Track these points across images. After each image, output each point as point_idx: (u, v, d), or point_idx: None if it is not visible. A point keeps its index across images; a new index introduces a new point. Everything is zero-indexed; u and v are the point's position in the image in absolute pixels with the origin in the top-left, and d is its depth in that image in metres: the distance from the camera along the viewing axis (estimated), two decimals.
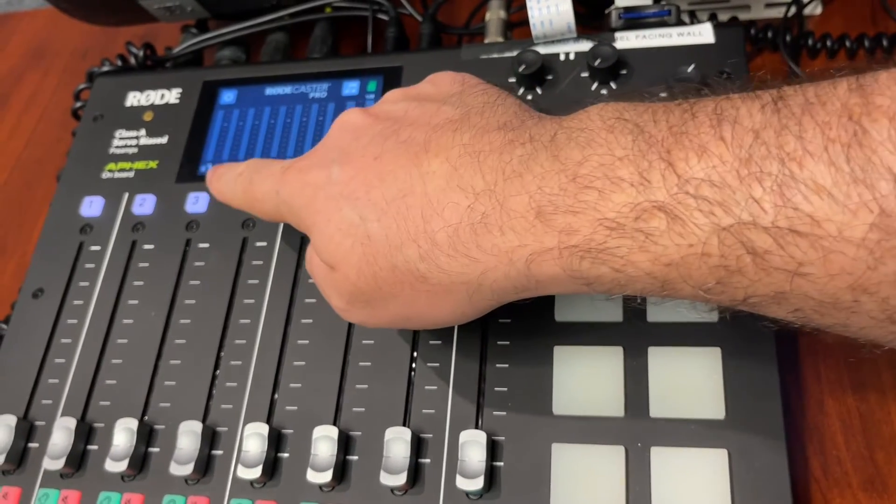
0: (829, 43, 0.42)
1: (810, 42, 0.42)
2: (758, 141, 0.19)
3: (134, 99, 0.44)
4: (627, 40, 0.37)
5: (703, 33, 0.37)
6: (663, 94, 0.35)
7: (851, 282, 0.19)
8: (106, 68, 0.47)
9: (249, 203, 0.32)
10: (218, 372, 0.34)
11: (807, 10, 0.44)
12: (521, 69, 0.37)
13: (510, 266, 0.23)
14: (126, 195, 0.40)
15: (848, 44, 0.41)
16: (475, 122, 0.25)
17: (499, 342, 0.32)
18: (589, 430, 0.29)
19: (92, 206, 0.40)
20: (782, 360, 0.29)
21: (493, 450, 0.30)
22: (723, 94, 0.22)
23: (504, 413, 0.30)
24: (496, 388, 0.31)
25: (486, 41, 0.42)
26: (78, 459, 0.33)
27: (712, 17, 0.44)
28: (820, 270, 0.19)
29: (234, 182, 0.32)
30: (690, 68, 0.34)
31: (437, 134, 0.25)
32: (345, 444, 0.31)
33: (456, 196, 0.24)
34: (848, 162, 0.18)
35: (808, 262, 0.19)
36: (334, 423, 0.32)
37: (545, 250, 0.22)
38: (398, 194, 0.25)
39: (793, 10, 0.43)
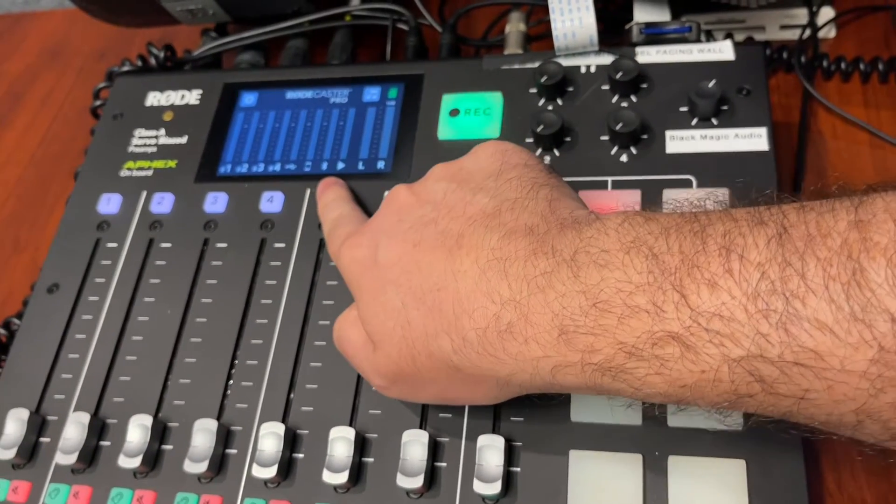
0: (843, 65, 0.42)
1: (825, 64, 0.43)
2: (764, 278, 0.20)
3: (154, 99, 0.44)
4: (648, 55, 0.38)
5: (723, 50, 0.37)
6: (683, 108, 0.36)
7: (855, 407, 0.20)
8: (126, 68, 0.48)
9: (326, 240, 0.35)
10: (233, 371, 0.34)
11: (821, 33, 0.45)
12: (543, 80, 0.37)
13: (535, 373, 0.24)
14: (144, 193, 0.40)
15: (862, 66, 0.42)
16: (506, 219, 0.26)
17: None
18: (607, 437, 0.29)
19: (110, 204, 0.40)
20: None
21: (510, 455, 0.30)
22: (730, 206, 0.23)
23: (522, 419, 0.30)
24: None
25: (506, 53, 0.43)
26: (90, 455, 0.33)
27: (728, 37, 0.45)
28: (824, 397, 0.20)
29: (326, 217, 0.35)
30: (711, 84, 0.35)
31: (470, 228, 0.26)
32: (361, 445, 0.31)
33: (483, 301, 0.25)
34: (848, 300, 0.19)
35: (813, 390, 0.20)
36: (350, 425, 0.32)
37: (568, 364, 0.24)
38: (433, 287, 0.26)
39: (807, 32, 0.44)
